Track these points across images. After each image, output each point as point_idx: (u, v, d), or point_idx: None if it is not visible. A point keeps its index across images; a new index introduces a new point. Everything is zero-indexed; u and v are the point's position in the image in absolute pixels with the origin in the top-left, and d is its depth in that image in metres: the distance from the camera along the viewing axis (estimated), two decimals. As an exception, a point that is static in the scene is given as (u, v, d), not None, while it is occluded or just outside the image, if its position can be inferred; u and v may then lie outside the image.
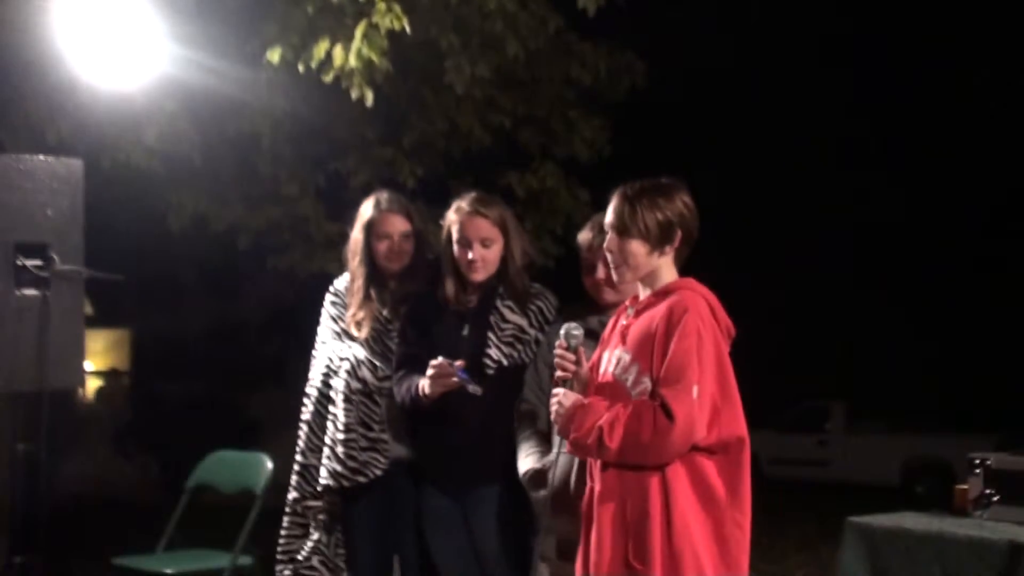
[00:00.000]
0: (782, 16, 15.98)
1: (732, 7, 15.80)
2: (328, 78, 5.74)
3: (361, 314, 3.89)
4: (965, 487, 4.35)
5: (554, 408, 2.95)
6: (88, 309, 4.48)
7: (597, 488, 2.89)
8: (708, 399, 2.75)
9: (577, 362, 3.01)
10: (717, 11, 15.44)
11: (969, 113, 17.73)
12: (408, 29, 5.64)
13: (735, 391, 2.84)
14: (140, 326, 17.41)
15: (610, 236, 2.95)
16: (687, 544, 2.73)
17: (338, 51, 5.65)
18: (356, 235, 3.94)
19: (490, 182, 7.97)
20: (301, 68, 5.87)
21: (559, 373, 3.01)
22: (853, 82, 18.75)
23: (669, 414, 2.70)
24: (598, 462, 2.89)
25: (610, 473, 2.85)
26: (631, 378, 2.85)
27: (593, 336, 3.21)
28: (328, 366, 3.93)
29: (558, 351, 3.03)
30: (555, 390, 2.98)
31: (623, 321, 2.98)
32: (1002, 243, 17.85)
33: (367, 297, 3.90)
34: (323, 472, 3.81)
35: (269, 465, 5.19)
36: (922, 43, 17.64)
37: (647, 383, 2.80)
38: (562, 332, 3.05)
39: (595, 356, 3.05)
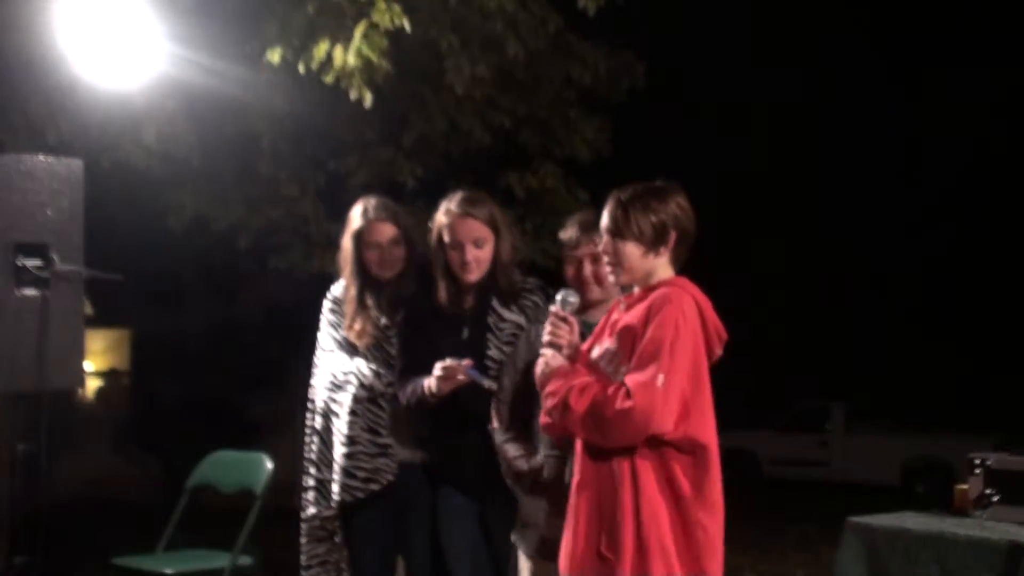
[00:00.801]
0: (782, 16, 15.98)
1: (732, 7, 15.81)
2: (329, 79, 5.74)
3: (359, 324, 3.84)
4: (965, 487, 4.34)
5: (540, 367, 2.99)
6: (88, 309, 4.47)
7: (576, 479, 2.93)
8: (676, 391, 2.75)
9: (570, 332, 3.04)
10: (717, 12, 15.45)
11: (973, 110, 17.73)
12: (408, 27, 5.64)
13: (708, 396, 2.84)
14: (140, 326, 17.38)
15: (605, 239, 2.97)
16: (655, 534, 2.75)
17: (338, 52, 5.64)
18: (346, 244, 3.89)
19: (490, 182, 7.97)
20: (301, 69, 5.86)
21: (549, 339, 3.02)
22: (854, 80, 18.75)
23: (630, 397, 2.72)
24: (581, 452, 2.91)
25: (587, 464, 2.88)
26: (612, 368, 2.88)
27: None
28: (333, 381, 3.89)
29: (552, 319, 3.05)
30: (544, 350, 3.01)
31: (615, 316, 3.01)
32: (1002, 243, 17.85)
33: (363, 306, 3.85)
34: (334, 488, 3.79)
35: (269, 465, 5.17)
36: (917, 42, 17.66)
37: (625, 372, 2.83)
38: (558, 298, 3.07)
39: (585, 348, 3.06)
